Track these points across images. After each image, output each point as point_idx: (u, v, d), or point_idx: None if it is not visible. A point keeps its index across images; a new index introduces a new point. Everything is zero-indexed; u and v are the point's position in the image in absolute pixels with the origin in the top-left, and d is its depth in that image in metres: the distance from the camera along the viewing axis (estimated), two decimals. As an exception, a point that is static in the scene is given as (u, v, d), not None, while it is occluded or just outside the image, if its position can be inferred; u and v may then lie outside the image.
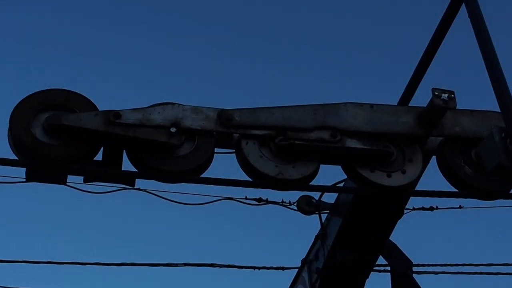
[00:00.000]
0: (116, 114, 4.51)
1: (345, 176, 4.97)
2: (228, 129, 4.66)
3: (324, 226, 6.03)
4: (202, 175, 4.63)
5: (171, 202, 5.57)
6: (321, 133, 4.72)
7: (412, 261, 6.22)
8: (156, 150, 4.54)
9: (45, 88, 4.62)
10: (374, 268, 6.17)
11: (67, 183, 4.66)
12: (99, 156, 4.57)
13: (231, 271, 6.73)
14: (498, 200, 5.00)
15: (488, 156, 4.51)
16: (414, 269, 6.41)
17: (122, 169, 4.58)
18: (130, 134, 4.50)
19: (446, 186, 4.88)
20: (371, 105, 4.88)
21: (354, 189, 5.08)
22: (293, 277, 6.41)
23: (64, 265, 6.53)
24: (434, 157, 4.99)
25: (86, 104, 4.60)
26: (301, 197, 6.15)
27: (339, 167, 4.82)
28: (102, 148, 4.57)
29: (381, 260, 6.11)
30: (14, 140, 4.43)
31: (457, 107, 4.81)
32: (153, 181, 4.65)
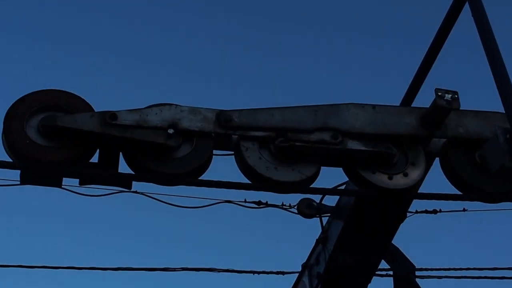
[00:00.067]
0: (113, 115, 4.51)
1: (346, 179, 4.97)
2: (227, 130, 4.67)
3: (325, 230, 6.04)
4: (201, 178, 4.63)
5: (169, 205, 5.57)
6: (322, 135, 4.73)
7: (415, 265, 6.23)
8: (154, 152, 4.54)
9: (40, 89, 4.63)
10: (376, 272, 6.17)
11: (63, 186, 4.66)
12: (95, 158, 4.58)
13: (230, 275, 6.73)
14: (503, 202, 5.00)
15: (492, 157, 4.51)
16: (417, 273, 6.42)
17: (119, 171, 4.58)
18: (126, 135, 4.50)
19: (450, 188, 4.89)
20: (373, 106, 4.88)
21: (356, 191, 5.08)
22: (293, 282, 6.41)
23: (60, 269, 6.53)
24: (437, 159, 5.00)
25: (82, 105, 4.60)
26: (302, 200, 6.15)
27: (340, 169, 4.83)
28: (98, 150, 4.57)
29: (383, 264, 6.12)
30: (8, 141, 4.43)
31: (460, 108, 4.82)
32: (150, 183, 4.66)
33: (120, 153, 4.60)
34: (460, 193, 4.88)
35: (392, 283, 6.23)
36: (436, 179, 5.20)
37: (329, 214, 6.11)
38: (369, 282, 6.00)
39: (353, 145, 4.73)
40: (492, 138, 4.57)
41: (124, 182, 4.65)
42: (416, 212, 6.44)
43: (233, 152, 4.73)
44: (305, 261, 6.30)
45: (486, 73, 4.69)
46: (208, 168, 4.66)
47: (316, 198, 6.15)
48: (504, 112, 4.61)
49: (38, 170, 4.47)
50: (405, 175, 4.74)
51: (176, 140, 4.56)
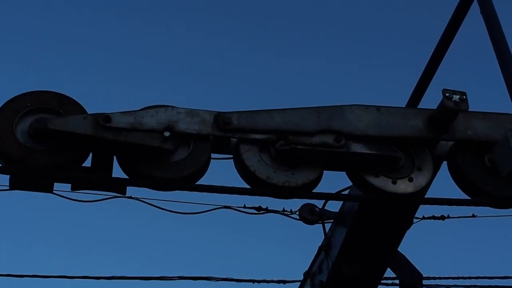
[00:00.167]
0: (106, 117, 4.52)
1: (350, 183, 4.98)
2: (226, 133, 4.67)
3: (328, 237, 6.04)
4: (198, 182, 4.63)
5: (165, 211, 5.58)
6: (324, 137, 4.73)
7: (422, 273, 6.23)
8: (149, 156, 4.54)
9: (30, 90, 4.63)
10: (382, 281, 6.18)
11: (54, 191, 4.66)
12: (88, 162, 4.58)
13: (228, 284, 6.73)
14: (514, 208, 5.00)
15: (502, 161, 4.52)
16: (425, 282, 6.43)
17: (112, 176, 4.59)
18: (120, 138, 4.50)
19: (458, 193, 4.89)
20: (378, 107, 4.89)
21: (360, 196, 5.08)
22: (295, 291, 6.41)
23: (50, 278, 6.53)
24: (445, 163, 5.00)
25: (74, 107, 4.61)
26: (304, 206, 6.15)
27: (344, 173, 4.83)
28: (91, 154, 4.58)
29: (389, 272, 6.12)
30: (-3, 145, 4.44)
31: (469, 109, 4.82)
32: (145, 188, 4.66)
33: (114, 157, 4.60)
34: (469, 198, 4.89)
35: (398, 292, 6.23)
36: (444, 184, 5.20)
37: (332, 220, 6.11)
38: (374, 291, 6.00)
39: (357, 148, 4.73)
40: (502, 140, 4.57)
41: (118, 187, 4.65)
42: (423, 218, 6.45)
43: (232, 156, 4.73)
44: (307, 269, 6.30)
45: (496, 73, 4.70)
46: (206, 173, 4.66)
47: (319, 203, 6.15)
48: (514, 113, 4.62)
49: (28, 175, 4.47)
50: (410, 180, 4.74)
51: (172, 143, 4.56)
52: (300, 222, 6.13)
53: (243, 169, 4.65)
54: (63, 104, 4.59)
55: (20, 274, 6.49)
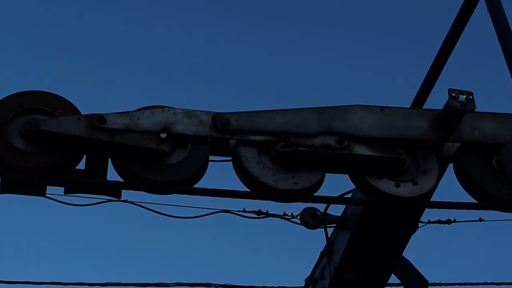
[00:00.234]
0: (101, 118, 4.51)
1: (353, 186, 4.97)
2: (224, 134, 4.66)
3: (330, 242, 6.03)
4: (196, 186, 4.63)
5: (161, 215, 5.57)
6: (326, 139, 4.72)
7: (428, 279, 6.22)
8: (145, 158, 4.53)
9: (22, 90, 4.62)
10: (386, 287, 6.17)
11: (47, 195, 4.66)
12: (81, 165, 4.57)
13: (227, 291, 6.72)
14: (522, 212, 5.00)
15: (510, 163, 4.51)
16: (430, 288, 6.41)
17: (107, 179, 4.58)
18: (116, 140, 4.50)
19: (465, 196, 4.88)
20: (382, 108, 4.88)
21: (363, 200, 5.08)
22: (296, 298, 6.40)
23: (43, 285, 6.52)
24: (451, 165, 4.99)
25: (68, 108, 4.60)
26: (305, 210, 6.15)
27: (346, 176, 4.82)
28: (85, 156, 4.57)
29: (393, 278, 6.12)
30: (-13, 147, 4.44)
31: (476, 110, 4.81)
32: (141, 192, 4.65)
33: (109, 159, 4.59)
34: (476, 201, 4.88)
35: (403, 299, 6.22)
36: (450, 187, 5.19)
37: (334, 225, 6.10)
38: (378, 298, 5.99)
39: (360, 150, 4.72)
40: (510, 142, 4.56)
41: (113, 191, 4.65)
42: (429, 222, 6.45)
43: (230, 158, 4.73)
44: (308, 275, 6.29)
45: (504, 72, 4.69)
46: (204, 175, 4.65)
47: (321, 207, 6.15)
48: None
49: (20, 178, 4.46)
50: (414, 183, 4.73)
51: (169, 145, 4.56)
52: (302, 226, 6.14)
53: (242, 172, 4.64)
54: (56, 105, 4.59)
55: (12, 280, 6.48)
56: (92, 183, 4.58)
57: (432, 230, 6.43)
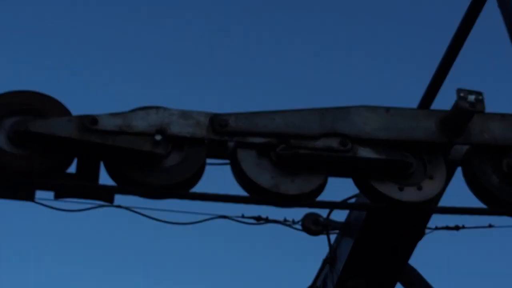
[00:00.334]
0: (93, 119, 4.51)
1: (356, 191, 4.96)
2: (222, 136, 4.66)
3: (333, 248, 6.04)
4: (192, 190, 4.62)
5: (156, 221, 5.55)
6: (329, 141, 4.72)
7: (435, 288, 6.22)
8: (139, 161, 4.53)
9: (10, 90, 4.62)
10: (391, 297, 6.17)
11: (36, 199, 4.65)
12: (72, 168, 4.57)
13: (226, 300, 6.72)
14: (534, 217, 4.99)
15: (521, 166, 4.51)
16: (438, 298, 6.41)
17: (99, 183, 4.58)
18: (108, 142, 4.49)
19: (474, 201, 4.88)
20: (387, 109, 4.87)
21: (368, 205, 5.08)
22: (297, 307, 6.40)
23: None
24: (459, 168, 4.99)
25: (58, 108, 4.60)
26: (307, 215, 6.15)
27: (350, 180, 4.82)
28: (76, 159, 4.57)
29: (398, 286, 6.12)
30: (-26, 150, 4.43)
31: (485, 111, 4.81)
32: (135, 197, 4.65)
33: (101, 162, 4.59)
34: (485, 206, 4.87)
35: (409, 308, 6.22)
36: (458, 191, 5.18)
37: (337, 231, 6.11)
38: (383, 308, 5.99)
39: (365, 153, 4.72)
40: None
41: (105, 195, 4.64)
42: (436, 228, 6.43)
43: (228, 161, 4.72)
44: (311, 283, 6.30)
45: (515, 72, 4.68)
46: (201, 179, 4.65)
47: (323, 212, 6.15)
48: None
49: (7, 182, 4.45)
50: (419, 188, 4.72)
51: (164, 148, 4.55)
52: (303, 233, 6.13)
53: (241, 175, 4.64)
54: (45, 105, 4.58)
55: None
56: (83, 187, 4.57)
57: (440, 236, 6.41)
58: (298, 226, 6.16)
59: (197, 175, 4.62)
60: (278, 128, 4.71)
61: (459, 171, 5.00)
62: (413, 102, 5.65)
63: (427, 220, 5.69)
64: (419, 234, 5.65)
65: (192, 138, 4.62)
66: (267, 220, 6.12)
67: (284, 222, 6.17)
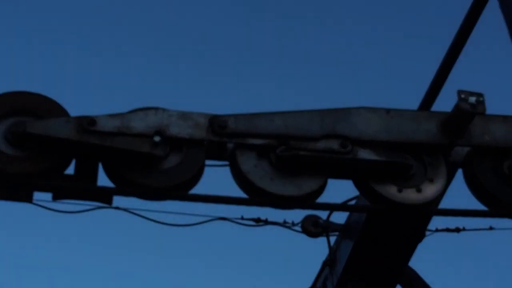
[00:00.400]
0: (91, 120, 4.50)
1: (357, 193, 4.96)
2: (221, 137, 4.65)
3: (333, 251, 6.03)
4: (191, 191, 4.62)
5: (155, 223, 5.54)
6: (329, 143, 4.72)
7: (435, 291, 6.22)
8: (137, 163, 4.53)
9: (7, 91, 4.61)
10: (391, 299, 6.16)
11: (34, 201, 4.64)
12: (70, 170, 4.56)
13: (225, 302, 6.71)
14: (535, 220, 4.98)
15: (523, 169, 4.51)
16: (438, 300, 6.41)
17: (98, 184, 4.57)
18: (106, 143, 4.49)
19: (475, 203, 4.87)
20: (387, 110, 4.87)
21: (368, 207, 5.07)
22: (297, 310, 6.40)
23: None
24: (460, 170, 4.98)
25: (56, 109, 4.59)
26: (307, 217, 6.14)
27: (350, 182, 4.81)
28: (74, 160, 4.56)
29: (399, 289, 6.11)
30: (-29, 151, 4.42)
31: (486, 112, 4.80)
32: (133, 198, 4.64)
33: (100, 163, 4.58)
34: (486, 208, 4.86)
35: (409, 311, 6.21)
36: (459, 193, 5.17)
37: (337, 233, 6.10)
38: (383, 310, 5.98)
39: (365, 154, 4.71)
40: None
41: (104, 197, 4.64)
42: (436, 230, 6.41)
43: (228, 162, 4.71)
44: (310, 285, 6.29)
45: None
46: (200, 181, 4.64)
47: (323, 214, 6.13)
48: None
49: (5, 183, 4.44)
50: (418, 190, 4.72)
51: (163, 149, 4.55)
52: (303, 235, 6.12)
53: (240, 177, 4.63)
54: (43, 106, 4.57)
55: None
56: (81, 189, 4.56)
57: (440, 238, 6.40)
58: (298, 228, 6.15)
59: (196, 177, 4.62)
60: (278, 130, 4.70)
61: (459, 173, 4.99)
62: (414, 103, 5.64)
63: (427, 222, 5.68)
64: (419, 236, 5.64)
65: (191, 140, 4.62)
66: (266, 222, 6.11)
67: (284, 224, 6.16)
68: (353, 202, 5.58)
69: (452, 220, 6.20)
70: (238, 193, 4.66)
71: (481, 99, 4.77)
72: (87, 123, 4.49)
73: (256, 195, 4.63)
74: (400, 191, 4.68)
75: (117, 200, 4.75)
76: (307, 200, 4.66)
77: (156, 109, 4.64)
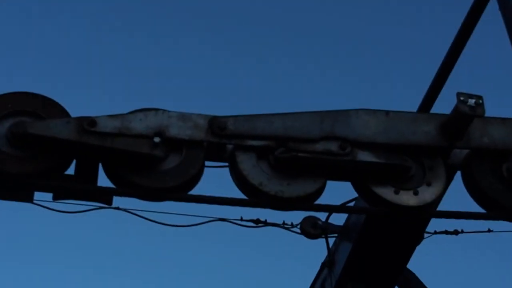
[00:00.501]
0: (91, 121, 4.50)
1: (355, 194, 4.96)
2: (221, 139, 4.65)
3: (331, 252, 6.03)
4: (191, 192, 4.62)
5: (155, 223, 5.56)
6: (328, 145, 4.72)
7: (433, 292, 6.22)
8: (137, 163, 4.52)
9: (8, 91, 4.62)
10: (390, 301, 6.16)
11: (34, 201, 4.64)
12: (71, 170, 4.56)
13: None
14: (533, 222, 4.98)
15: (521, 171, 4.51)
16: (436, 302, 6.41)
17: (98, 184, 4.57)
18: (107, 144, 4.49)
19: (473, 206, 4.87)
20: (387, 112, 4.87)
21: (366, 209, 5.07)
22: (295, 311, 6.41)
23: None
24: (459, 172, 4.98)
25: (56, 110, 4.59)
26: (306, 218, 6.15)
27: (349, 183, 4.82)
28: (74, 161, 4.56)
29: (397, 291, 6.11)
30: (-28, 151, 4.43)
31: (486, 115, 4.80)
32: (133, 199, 4.64)
33: (100, 164, 4.58)
34: (484, 211, 4.87)
35: (408, 313, 6.22)
36: (457, 195, 5.18)
37: (336, 235, 6.10)
38: (382, 312, 5.98)
39: (364, 156, 4.71)
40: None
41: (104, 197, 4.64)
42: (435, 232, 6.43)
43: (227, 164, 4.72)
44: (308, 287, 6.29)
45: (515, 76, 4.69)
46: (199, 182, 4.64)
47: (322, 216, 6.14)
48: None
49: (6, 183, 4.44)
50: (415, 193, 4.71)
51: (162, 150, 4.55)
52: (302, 236, 6.13)
53: (239, 178, 4.63)
54: (44, 106, 4.58)
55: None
56: (82, 189, 4.56)
57: (439, 240, 6.42)
58: (297, 229, 6.16)
59: (196, 178, 4.61)
60: (277, 131, 4.70)
61: (458, 175, 4.99)
62: (413, 105, 5.65)
63: (426, 224, 5.69)
64: (418, 238, 5.64)
65: (190, 141, 4.61)
66: (265, 223, 6.12)
67: (283, 225, 6.17)
68: (352, 204, 5.58)
69: (450, 222, 6.21)
70: (238, 194, 4.67)
71: (480, 101, 4.76)
72: (87, 123, 4.49)
73: (255, 197, 4.63)
74: (397, 192, 4.69)
75: (117, 201, 4.77)
76: (306, 202, 4.66)
77: (156, 110, 4.64)
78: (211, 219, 5.85)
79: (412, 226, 5.46)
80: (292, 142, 4.67)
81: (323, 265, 6.11)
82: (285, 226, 6.16)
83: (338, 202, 5.34)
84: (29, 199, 4.58)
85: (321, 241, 6.10)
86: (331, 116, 4.79)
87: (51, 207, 5.04)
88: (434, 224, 6.06)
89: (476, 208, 4.87)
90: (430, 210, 4.87)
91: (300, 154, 4.65)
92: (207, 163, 4.67)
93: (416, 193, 4.71)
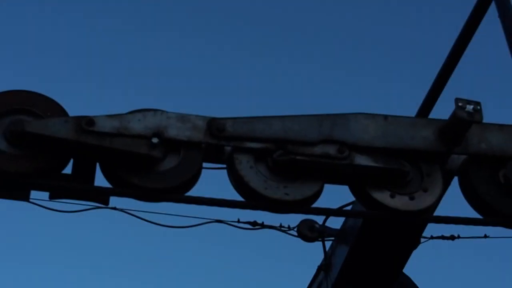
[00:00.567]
0: (90, 121, 4.50)
1: (353, 198, 4.95)
2: (219, 140, 4.65)
3: (328, 255, 6.03)
4: (188, 194, 4.61)
5: (152, 224, 5.55)
6: (326, 148, 4.71)
7: (429, 297, 6.21)
8: (135, 164, 4.52)
9: (6, 89, 4.61)
10: (385, 305, 6.15)
11: (31, 200, 4.64)
12: (68, 169, 4.56)
13: (219, 305, 6.71)
14: (529, 229, 4.98)
15: (518, 178, 4.50)
16: (432, 307, 6.41)
17: (95, 184, 4.56)
18: (105, 144, 4.48)
19: (470, 211, 4.87)
20: (385, 117, 4.87)
21: (363, 213, 5.06)
22: (291, 314, 6.40)
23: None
24: (456, 178, 4.98)
25: (55, 109, 4.59)
26: (303, 221, 6.14)
27: (346, 187, 4.81)
28: (72, 160, 4.55)
29: (393, 295, 6.10)
30: (-31, 149, 4.42)
31: (483, 121, 4.80)
32: (130, 199, 4.63)
33: (97, 164, 4.58)
34: (481, 217, 4.86)
35: (403, 317, 6.21)
36: (454, 201, 5.18)
37: (333, 238, 6.09)
38: (377, 316, 5.98)
39: (362, 160, 4.71)
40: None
41: (101, 197, 4.63)
42: (431, 237, 6.42)
43: (225, 166, 4.71)
44: (305, 290, 6.28)
45: (513, 82, 4.69)
46: (197, 183, 4.64)
47: (319, 219, 6.14)
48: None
49: (3, 182, 4.44)
50: (411, 198, 4.71)
51: (160, 151, 4.54)
52: (299, 239, 6.12)
53: (237, 180, 4.63)
54: (42, 105, 4.57)
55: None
56: (79, 189, 4.55)
57: (435, 246, 6.41)
58: (294, 232, 6.15)
59: (194, 179, 4.61)
60: (275, 134, 4.70)
61: (455, 181, 4.99)
62: (412, 110, 5.64)
63: (422, 229, 5.68)
64: (415, 243, 5.64)
65: (189, 142, 4.61)
66: (262, 226, 6.11)
67: (280, 228, 6.16)
68: (349, 208, 5.57)
69: (447, 227, 6.21)
70: (235, 196, 4.66)
71: (478, 107, 4.76)
72: (85, 123, 4.48)
73: (252, 199, 4.62)
74: (392, 196, 4.68)
75: (114, 201, 4.76)
76: (304, 205, 4.65)
77: (154, 110, 4.63)
78: (208, 220, 5.84)
79: (408, 231, 5.46)
80: (290, 145, 4.67)
81: (320, 268, 6.10)
82: (282, 228, 6.15)
83: (335, 205, 5.33)
84: (25, 198, 4.58)
85: (318, 244, 6.09)
86: (330, 120, 4.79)
87: (47, 206, 5.02)
88: (431, 229, 6.06)
89: (473, 214, 4.86)
90: (426, 215, 4.87)
91: (298, 157, 4.65)
92: (205, 164, 4.67)
93: (412, 198, 4.71)
